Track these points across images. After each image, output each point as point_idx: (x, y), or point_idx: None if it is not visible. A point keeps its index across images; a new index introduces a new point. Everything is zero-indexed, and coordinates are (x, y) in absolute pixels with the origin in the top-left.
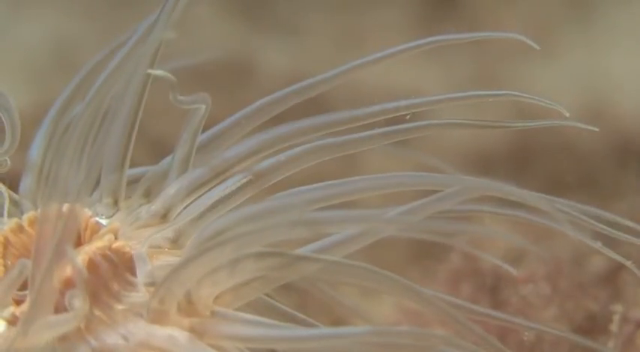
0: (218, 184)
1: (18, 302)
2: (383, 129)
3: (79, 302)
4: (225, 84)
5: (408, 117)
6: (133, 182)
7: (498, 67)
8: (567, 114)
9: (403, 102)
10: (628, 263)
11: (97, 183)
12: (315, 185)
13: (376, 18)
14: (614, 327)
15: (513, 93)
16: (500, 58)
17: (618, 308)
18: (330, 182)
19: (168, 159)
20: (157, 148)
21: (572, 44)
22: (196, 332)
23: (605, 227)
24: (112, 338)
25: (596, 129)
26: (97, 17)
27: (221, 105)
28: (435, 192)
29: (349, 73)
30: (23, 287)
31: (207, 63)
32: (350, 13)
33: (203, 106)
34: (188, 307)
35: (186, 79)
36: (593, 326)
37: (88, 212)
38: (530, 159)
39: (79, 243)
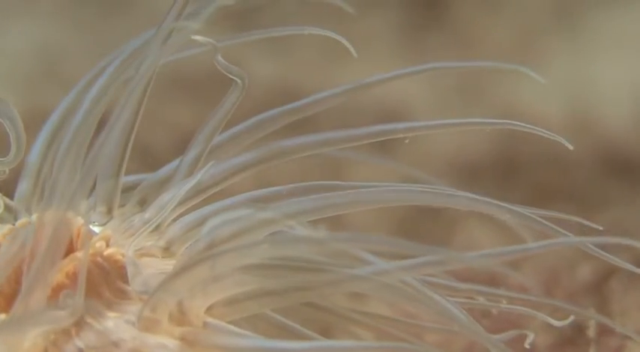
0: (214, 194)
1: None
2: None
3: (72, 300)
4: (212, 93)
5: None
6: (130, 189)
7: (485, 75)
8: (571, 148)
9: (401, 126)
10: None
11: (92, 190)
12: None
13: (363, 26)
14: (590, 333)
15: (511, 122)
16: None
17: (591, 311)
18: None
19: (165, 168)
20: (145, 155)
21: (558, 53)
22: (187, 342)
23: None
24: (103, 345)
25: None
26: (85, 26)
27: (208, 113)
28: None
29: (343, 96)
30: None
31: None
32: (336, 22)
33: (240, 81)
34: (180, 316)
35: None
36: (579, 336)
37: (80, 219)
38: (516, 169)
39: (70, 250)
